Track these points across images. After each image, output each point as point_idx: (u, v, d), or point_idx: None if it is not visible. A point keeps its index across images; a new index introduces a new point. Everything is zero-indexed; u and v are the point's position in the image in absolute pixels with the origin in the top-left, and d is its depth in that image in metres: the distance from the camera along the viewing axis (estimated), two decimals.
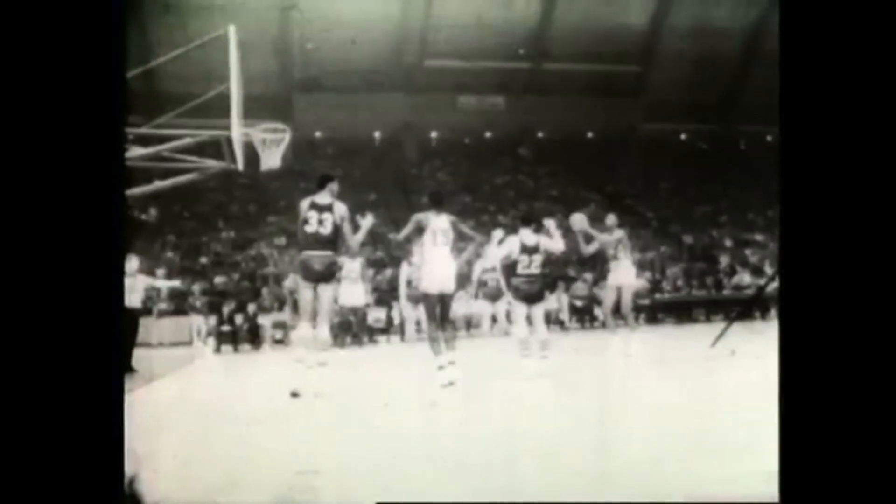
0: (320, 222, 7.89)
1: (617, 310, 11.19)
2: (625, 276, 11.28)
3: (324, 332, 8.09)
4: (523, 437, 5.27)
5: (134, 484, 3.51)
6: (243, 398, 8.67)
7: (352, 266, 15.04)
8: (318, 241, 7.88)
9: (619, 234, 11.40)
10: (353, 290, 15.27)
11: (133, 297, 11.62)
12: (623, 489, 3.84)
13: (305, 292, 8.04)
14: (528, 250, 8.83)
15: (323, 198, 8.00)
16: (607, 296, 11.52)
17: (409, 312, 17.00)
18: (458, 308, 18.69)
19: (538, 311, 8.99)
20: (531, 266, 8.81)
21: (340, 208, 8.00)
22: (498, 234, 9.85)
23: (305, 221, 7.91)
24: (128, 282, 11.44)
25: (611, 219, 11.64)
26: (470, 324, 18.56)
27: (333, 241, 7.98)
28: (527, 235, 8.94)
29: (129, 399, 3.55)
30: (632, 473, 4.14)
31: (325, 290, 8.06)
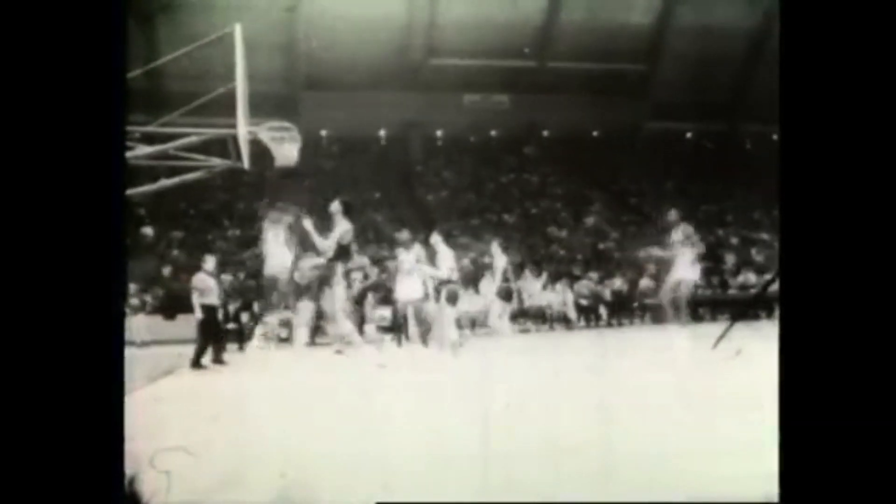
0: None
1: (674, 304, 11.44)
2: (686, 270, 11.51)
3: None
4: (524, 437, 5.27)
5: (134, 484, 3.53)
6: (246, 397, 8.68)
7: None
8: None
9: (687, 229, 11.63)
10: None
11: (211, 296, 12.34)
12: (624, 488, 3.85)
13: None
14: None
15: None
16: (665, 288, 11.74)
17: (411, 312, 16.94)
18: (464, 305, 18.75)
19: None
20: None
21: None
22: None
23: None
24: (210, 281, 12.43)
25: (673, 214, 11.84)
26: (475, 322, 18.56)
27: None
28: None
29: (129, 399, 3.56)
30: (633, 473, 4.14)
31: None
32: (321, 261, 9.88)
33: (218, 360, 12.14)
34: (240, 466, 4.53)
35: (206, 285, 12.34)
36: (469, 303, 18.67)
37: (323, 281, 9.93)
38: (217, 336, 12.41)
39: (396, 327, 17.76)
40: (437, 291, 11.24)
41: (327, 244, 9.69)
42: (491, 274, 16.42)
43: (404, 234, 12.22)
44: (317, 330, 16.74)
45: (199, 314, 12.10)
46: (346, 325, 10.32)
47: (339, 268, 10.00)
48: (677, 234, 11.56)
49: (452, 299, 10.87)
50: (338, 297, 9.95)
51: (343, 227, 10.02)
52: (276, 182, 24.56)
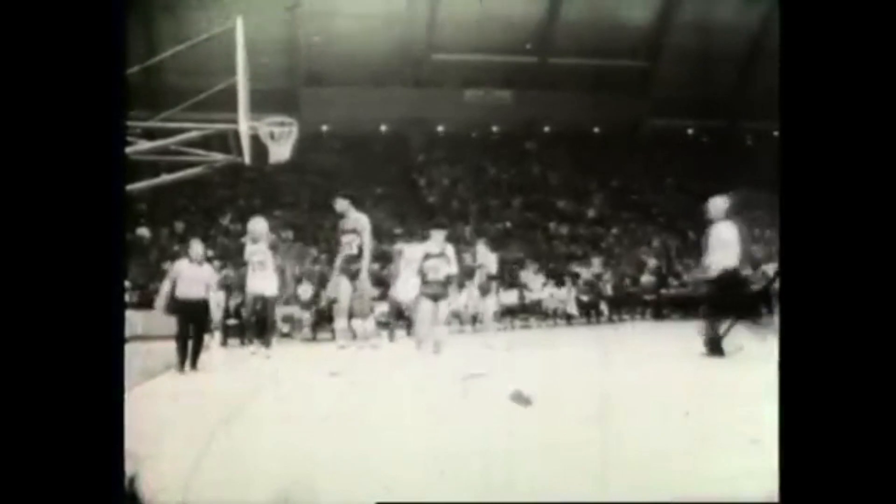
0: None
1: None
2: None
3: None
4: (523, 436, 5.27)
5: (134, 484, 3.52)
6: (245, 395, 8.67)
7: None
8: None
9: None
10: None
11: (195, 287, 10.82)
12: (623, 488, 3.84)
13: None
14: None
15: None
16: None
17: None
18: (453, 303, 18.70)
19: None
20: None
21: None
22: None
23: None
24: (193, 269, 10.82)
25: None
26: (476, 318, 18.54)
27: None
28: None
29: (129, 397, 3.56)
30: (632, 472, 4.13)
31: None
32: (452, 272, 9.90)
33: (194, 365, 10.73)
34: (240, 466, 4.52)
35: (187, 274, 10.78)
36: (464, 300, 18.68)
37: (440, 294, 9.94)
38: (198, 335, 10.97)
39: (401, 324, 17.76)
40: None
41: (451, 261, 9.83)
42: (480, 272, 16.44)
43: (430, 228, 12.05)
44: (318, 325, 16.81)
45: (170, 305, 10.71)
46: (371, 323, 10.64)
47: (364, 263, 9.96)
48: None
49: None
50: (368, 293, 10.13)
51: (363, 222, 9.97)
52: (276, 178, 24.57)
